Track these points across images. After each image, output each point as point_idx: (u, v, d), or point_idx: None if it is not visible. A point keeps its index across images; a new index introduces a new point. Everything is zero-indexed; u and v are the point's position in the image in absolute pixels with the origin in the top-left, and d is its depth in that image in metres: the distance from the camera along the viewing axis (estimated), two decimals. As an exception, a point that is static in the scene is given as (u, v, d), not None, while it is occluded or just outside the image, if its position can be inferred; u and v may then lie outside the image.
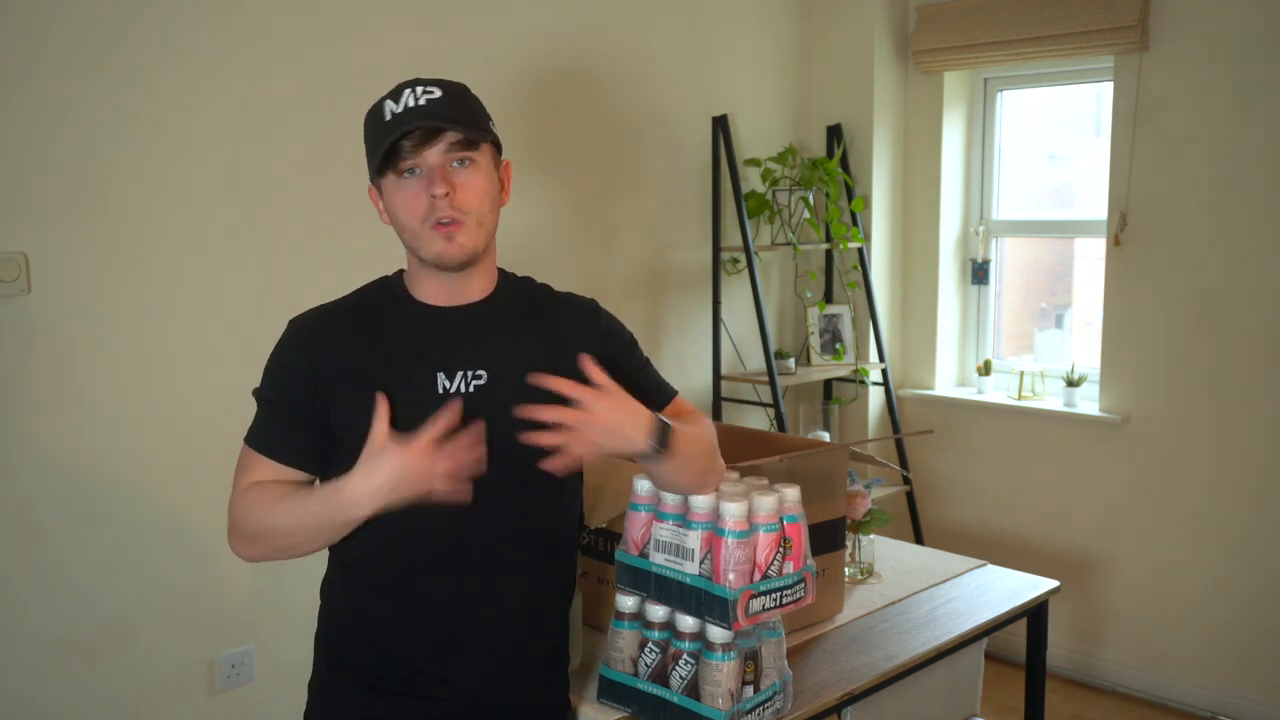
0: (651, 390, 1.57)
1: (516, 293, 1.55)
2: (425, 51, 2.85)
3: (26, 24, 2.22)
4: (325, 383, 1.44)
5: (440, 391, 1.43)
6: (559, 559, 1.57)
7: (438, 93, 1.40)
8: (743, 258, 3.68)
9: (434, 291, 1.48)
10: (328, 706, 1.55)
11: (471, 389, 1.44)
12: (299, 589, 2.66)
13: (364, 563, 1.49)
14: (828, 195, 3.70)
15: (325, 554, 1.57)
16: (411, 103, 1.38)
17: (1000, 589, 2.13)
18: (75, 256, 2.32)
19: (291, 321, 1.50)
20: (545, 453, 1.39)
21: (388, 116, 1.39)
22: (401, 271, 1.54)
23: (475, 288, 1.49)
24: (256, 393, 1.49)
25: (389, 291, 1.51)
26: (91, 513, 2.38)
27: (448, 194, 1.38)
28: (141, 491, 2.45)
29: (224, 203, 2.53)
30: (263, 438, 1.48)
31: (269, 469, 1.47)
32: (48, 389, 2.32)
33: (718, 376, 3.69)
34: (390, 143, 1.37)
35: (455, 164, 1.40)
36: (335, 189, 2.70)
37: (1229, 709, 3.35)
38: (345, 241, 2.72)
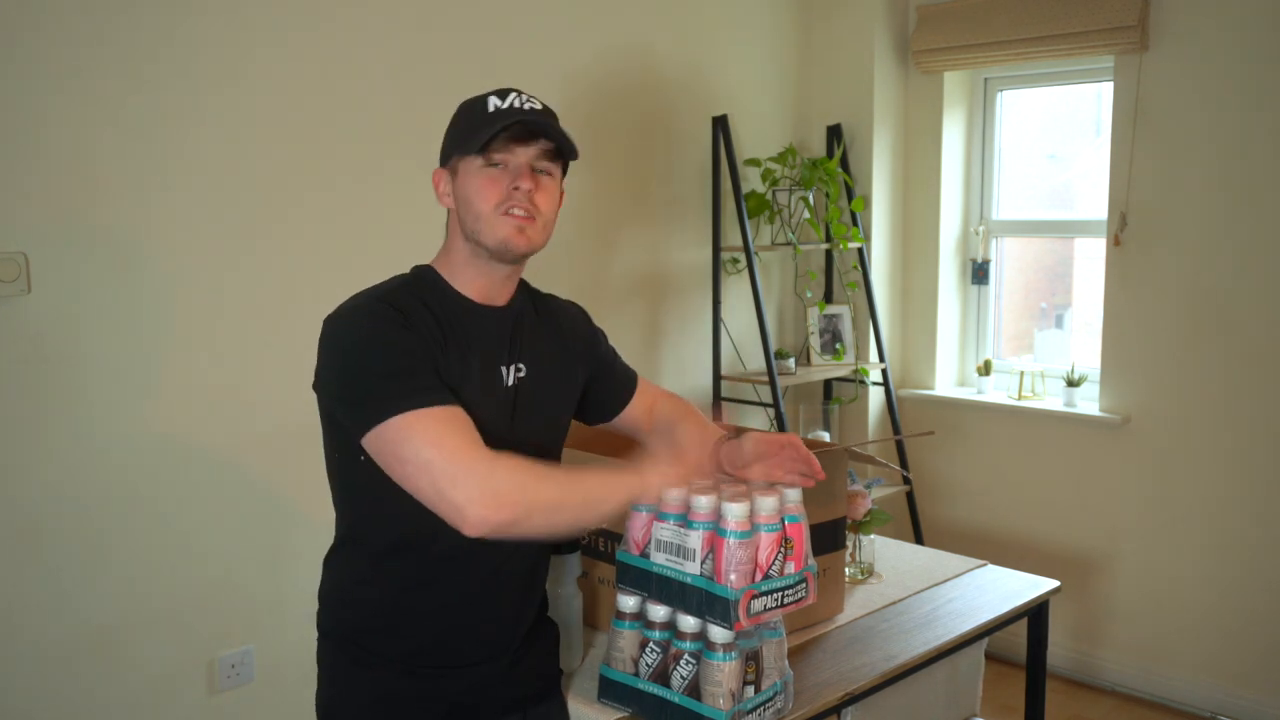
0: (622, 377, 1.77)
1: (528, 297, 1.64)
2: (424, 51, 2.85)
3: (25, 24, 2.22)
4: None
5: (506, 384, 1.53)
6: None
7: (539, 105, 1.50)
8: (743, 258, 3.68)
9: (476, 289, 1.52)
10: (354, 694, 1.55)
11: (513, 381, 1.54)
12: (299, 589, 2.65)
13: (394, 552, 1.51)
14: (828, 195, 3.70)
15: (335, 555, 1.59)
16: (518, 104, 1.47)
17: (1000, 589, 2.13)
18: (75, 256, 2.32)
19: (368, 299, 1.45)
20: (555, 432, 1.63)
21: (491, 109, 1.47)
22: (428, 269, 1.54)
23: (508, 290, 1.56)
24: (377, 362, 1.38)
25: (436, 285, 1.51)
26: (91, 512, 2.38)
27: (530, 190, 1.46)
28: (141, 491, 2.45)
29: (224, 202, 2.53)
30: (438, 390, 1.38)
31: (465, 416, 1.39)
32: (48, 389, 2.31)
33: (718, 376, 3.69)
34: (498, 129, 1.43)
35: (536, 170, 1.49)
36: (337, 187, 2.70)
37: (1229, 709, 3.35)
38: (346, 239, 2.72)
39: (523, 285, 1.63)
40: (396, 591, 1.52)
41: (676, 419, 1.73)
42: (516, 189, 1.45)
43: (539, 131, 1.46)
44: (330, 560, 1.60)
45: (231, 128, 2.52)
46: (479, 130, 1.45)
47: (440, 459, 1.32)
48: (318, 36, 2.65)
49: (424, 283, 1.51)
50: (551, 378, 1.60)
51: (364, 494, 1.48)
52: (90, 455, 2.37)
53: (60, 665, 2.36)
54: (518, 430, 1.53)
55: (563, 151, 1.50)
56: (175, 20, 2.41)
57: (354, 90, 2.73)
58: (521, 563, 1.58)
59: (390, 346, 1.39)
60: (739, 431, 1.69)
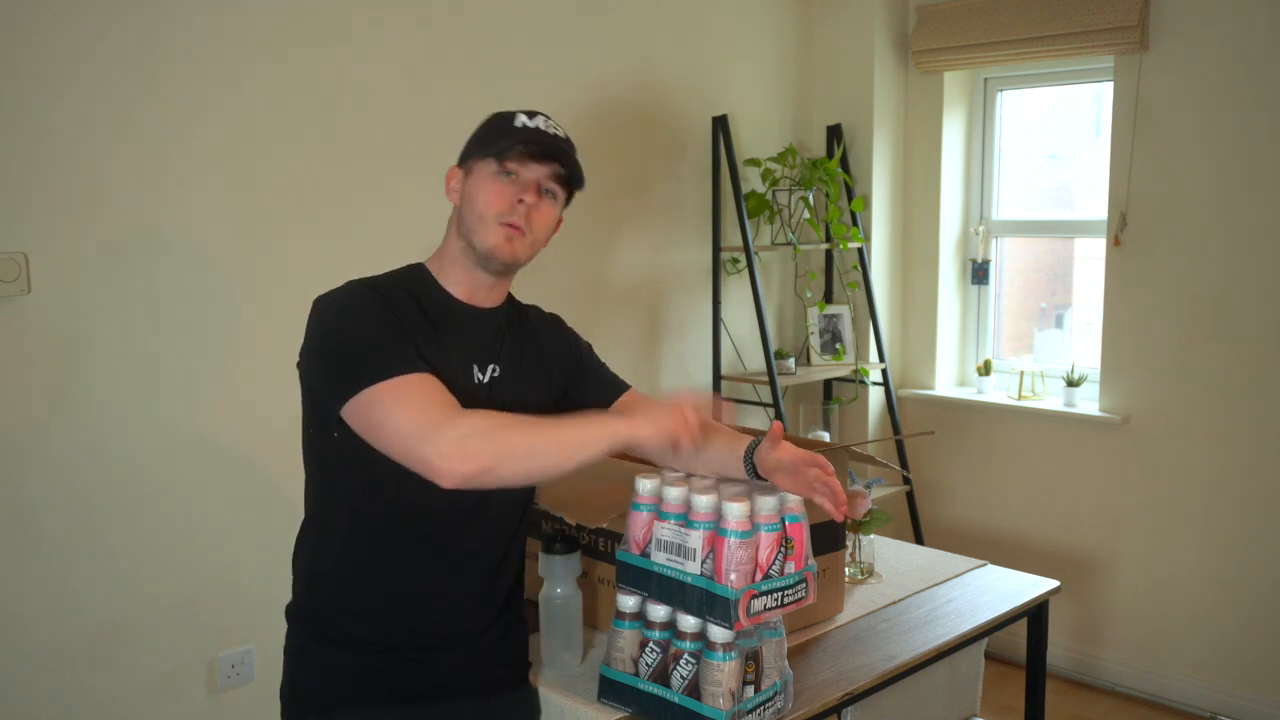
0: (608, 386, 1.77)
1: (514, 306, 1.70)
2: (427, 52, 2.85)
3: (25, 23, 2.22)
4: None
5: (475, 381, 1.57)
6: (523, 520, 1.69)
7: (562, 133, 1.58)
8: (743, 258, 3.68)
9: (463, 289, 1.59)
10: (313, 670, 1.59)
11: (487, 379, 1.59)
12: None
13: (358, 532, 1.55)
14: (828, 195, 3.70)
15: (303, 533, 1.64)
16: (543, 125, 1.56)
17: (1000, 589, 2.13)
18: (75, 256, 2.32)
19: (355, 283, 1.53)
20: None
21: (518, 123, 1.55)
22: (422, 266, 1.60)
23: (495, 297, 1.62)
24: (354, 339, 1.45)
25: (424, 281, 1.58)
26: (91, 512, 2.38)
27: (530, 207, 1.53)
28: (142, 491, 2.45)
29: (225, 201, 2.53)
30: (410, 359, 1.44)
31: (435, 381, 1.44)
32: (48, 389, 2.31)
33: (718, 376, 3.69)
34: (520, 141, 1.51)
35: (543, 190, 1.56)
36: (337, 186, 2.70)
37: (1229, 709, 3.35)
38: (347, 238, 2.72)
39: (509, 299, 1.69)
40: (358, 570, 1.56)
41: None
42: (520, 202, 1.52)
43: (555, 155, 1.54)
44: (299, 539, 1.65)
45: (233, 126, 2.52)
46: (502, 139, 1.53)
47: (410, 419, 1.38)
48: (321, 37, 2.65)
49: (413, 278, 1.59)
50: (526, 382, 1.64)
51: (333, 473, 1.55)
52: (90, 455, 2.37)
53: (60, 665, 2.36)
54: None
55: (571, 179, 1.58)
56: (177, 20, 2.41)
57: (355, 89, 2.73)
58: (488, 551, 1.60)
59: (368, 323, 1.46)
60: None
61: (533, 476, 1.45)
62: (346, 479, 1.53)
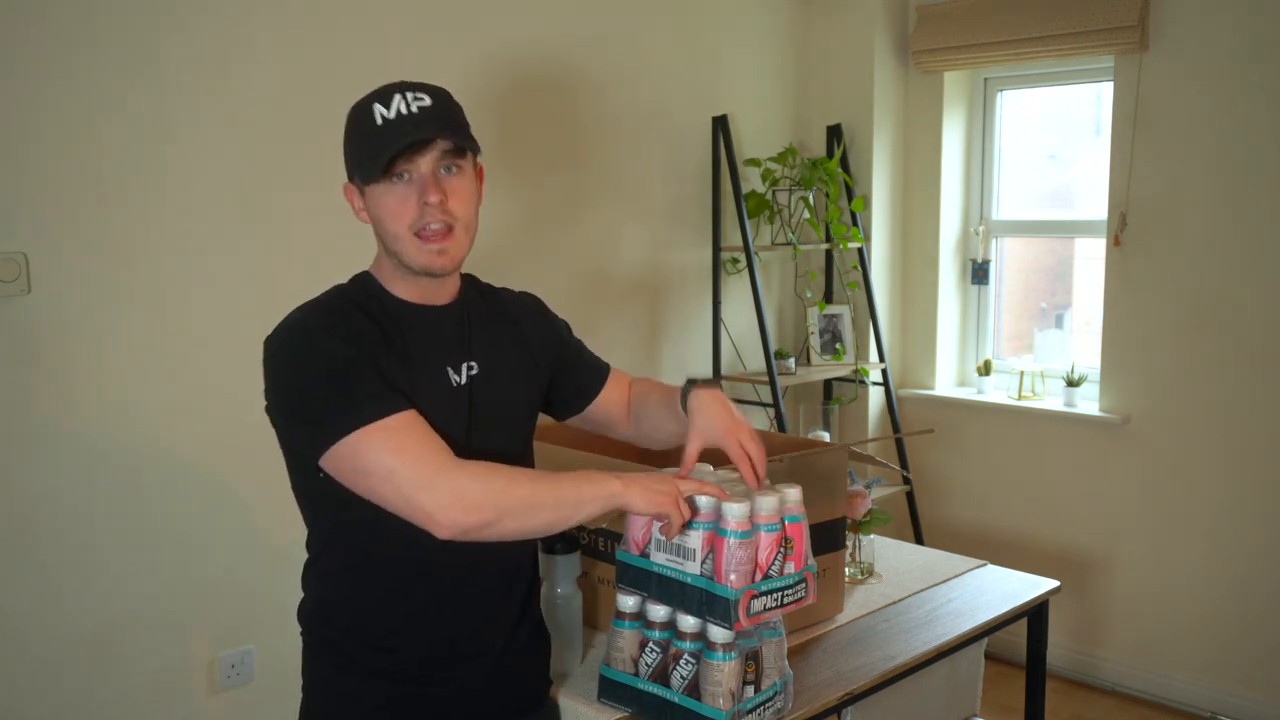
0: (591, 367, 1.71)
1: (476, 291, 1.60)
2: (426, 52, 2.85)
3: (25, 24, 2.22)
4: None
5: (453, 385, 1.48)
6: None
7: (427, 100, 1.41)
8: (743, 258, 3.68)
9: (413, 293, 1.49)
10: (330, 699, 1.55)
11: (465, 379, 1.50)
12: (299, 589, 2.65)
13: (364, 563, 1.50)
14: (828, 195, 3.70)
15: (310, 570, 1.59)
16: (404, 109, 1.39)
17: (1000, 589, 2.13)
18: (75, 256, 2.32)
19: (304, 315, 1.42)
20: (518, 429, 1.58)
21: (378, 121, 1.40)
22: (367, 275, 1.52)
23: (448, 290, 1.52)
24: (322, 382, 1.34)
25: (373, 292, 1.48)
26: (91, 513, 2.38)
27: (440, 201, 1.39)
28: (141, 491, 2.45)
29: (225, 202, 2.53)
30: (390, 398, 1.35)
31: (421, 421, 1.37)
32: (48, 389, 2.32)
33: (718, 376, 3.69)
34: (390, 156, 1.37)
35: (443, 170, 1.42)
36: (335, 188, 2.70)
37: (1229, 709, 3.35)
38: (345, 240, 2.71)
39: (469, 280, 1.60)
40: (370, 600, 1.50)
41: (644, 399, 1.69)
42: (427, 204, 1.38)
43: (433, 134, 1.38)
44: (305, 576, 1.59)
45: (232, 127, 2.52)
46: (371, 152, 1.38)
47: (404, 466, 1.31)
48: (319, 37, 2.65)
49: (361, 289, 1.48)
50: (509, 372, 1.55)
51: (327, 508, 1.47)
52: (90, 455, 2.37)
53: (60, 665, 2.36)
54: (476, 429, 1.49)
55: (466, 146, 1.42)
56: (174, 21, 2.42)
57: (356, 91, 2.72)
58: (497, 570, 1.53)
59: (330, 361, 1.35)
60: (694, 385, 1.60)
61: (529, 532, 1.38)
62: (342, 515, 1.44)
